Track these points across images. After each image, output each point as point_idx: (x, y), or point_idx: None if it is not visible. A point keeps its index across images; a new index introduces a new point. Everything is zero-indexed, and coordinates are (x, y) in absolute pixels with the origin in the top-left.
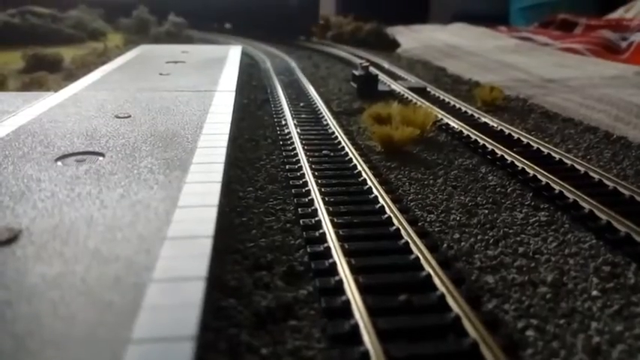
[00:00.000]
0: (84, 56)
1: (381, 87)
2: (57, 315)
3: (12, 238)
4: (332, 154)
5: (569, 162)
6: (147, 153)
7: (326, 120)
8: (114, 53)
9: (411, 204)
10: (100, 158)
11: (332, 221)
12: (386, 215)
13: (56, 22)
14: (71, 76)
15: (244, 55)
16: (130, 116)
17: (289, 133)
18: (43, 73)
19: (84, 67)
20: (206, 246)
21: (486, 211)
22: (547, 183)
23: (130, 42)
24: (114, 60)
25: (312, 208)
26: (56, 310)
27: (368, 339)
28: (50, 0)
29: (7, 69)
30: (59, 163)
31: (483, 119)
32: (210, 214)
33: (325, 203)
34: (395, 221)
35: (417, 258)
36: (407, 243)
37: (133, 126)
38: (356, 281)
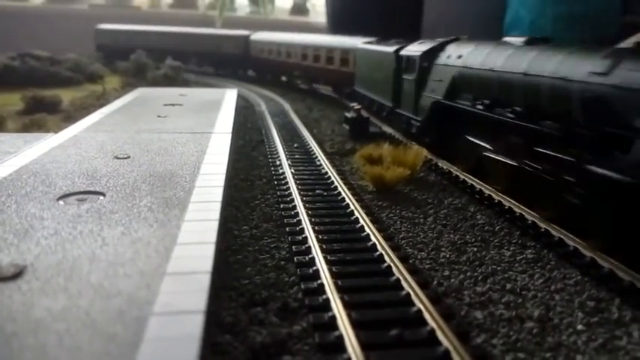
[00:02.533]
0: (83, 98)
1: (372, 129)
2: (62, 346)
3: (17, 274)
4: (325, 193)
5: None
6: (146, 192)
7: (319, 160)
8: (112, 96)
9: (402, 242)
10: (101, 197)
11: (325, 259)
12: (378, 253)
13: (54, 65)
14: (70, 118)
15: (240, 98)
16: (129, 157)
17: (283, 173)
18: (42, 115)
19: (83, 109)
20: (204, 281)
21: (475, 249)
22: (533, 222)
23: (127, 85)
24: (112, 102)
25: (306, 245)
26: (62, 341)
27: None
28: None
29: (6, 110)
30: (61, 202)
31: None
32: (208, 251)
33: (319, 241)
34: (387, 258)
35: (408, 294)
36: (398, 280)
37: (133, 166)
38: (349, 317)
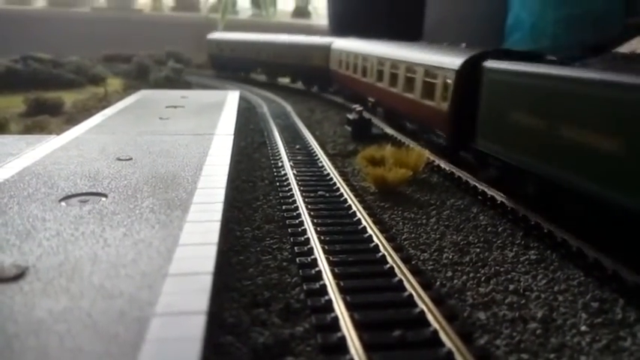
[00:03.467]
0: (85, 100)
1: (374, 130)
2: (64, 347)
3: (19, 275)
4: (327, 194)
5: None
6: (148, 194)
7: (321, 162)
8: (114, 98)
9: (405, 243)
10: (103, 199)
11: (328, 259)
12: (380, 254)
13: (57, 68)
14: (72, 120)
15: (241, 99)
16: (131, 159)
17: (285, 174)
18: (44, 117)
19: (85, 111)
20: (206, 282)
21: (478, 250)
22: (537, 222)
23: (129, 87)
24: (114, 104)
25: (308, 246)
26: (63, 342)
27: None
28: None
29: (9, 112)
30: (63, 203)
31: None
32: (210, 252)
33: (321, 242)
34: (389, 259)
35: (411, 295)
36: (401, 280)
37: (135, 168)
38: (351, 318)
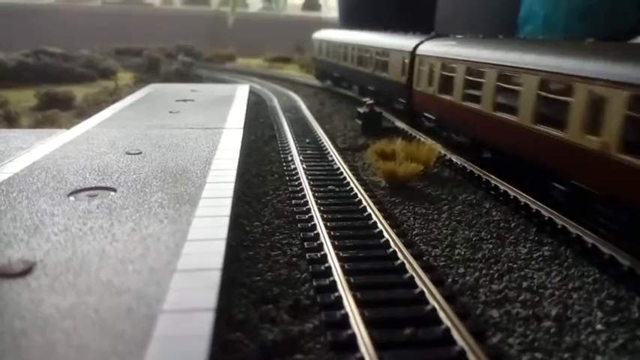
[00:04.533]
0: (95, 94)
1: (385, 124)
2: (70, 344)
3: (27, 270)
4: (337, 189)
5: None
6: (157, 188)
7: (331, 156)
8: (125, 91)
9: (416, 238)
10: (112, 193)
11: (337, 255)
12: (391, 249)
13: (68, 62)
14: (83, 114)
15: (251, 93)
16: (140, 153)
17: (295, 168)
18: (55, 111)
19: (95, 105)
20: (215, 278)
21: (490, 246)
22: (550, 218)
23: (140, 81)
24: (125, 98)
25: (318, 242)
26: (69, 339)
27: None
28: None
29: (20, 106)
30: (72, 197)
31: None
32: (219, 248)
33: (331, 237)
34: (400, 255)
35: (422, 292)
36: (412, 277)
37: (144, 162)
38: (362, 315)
